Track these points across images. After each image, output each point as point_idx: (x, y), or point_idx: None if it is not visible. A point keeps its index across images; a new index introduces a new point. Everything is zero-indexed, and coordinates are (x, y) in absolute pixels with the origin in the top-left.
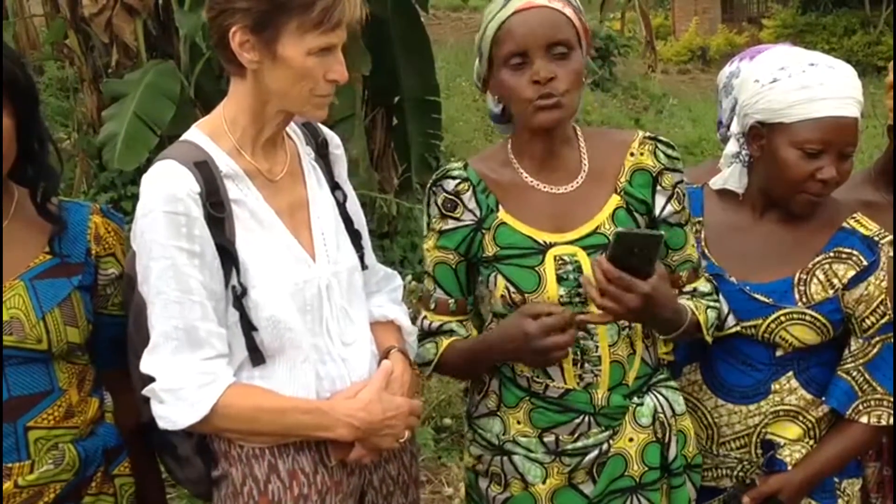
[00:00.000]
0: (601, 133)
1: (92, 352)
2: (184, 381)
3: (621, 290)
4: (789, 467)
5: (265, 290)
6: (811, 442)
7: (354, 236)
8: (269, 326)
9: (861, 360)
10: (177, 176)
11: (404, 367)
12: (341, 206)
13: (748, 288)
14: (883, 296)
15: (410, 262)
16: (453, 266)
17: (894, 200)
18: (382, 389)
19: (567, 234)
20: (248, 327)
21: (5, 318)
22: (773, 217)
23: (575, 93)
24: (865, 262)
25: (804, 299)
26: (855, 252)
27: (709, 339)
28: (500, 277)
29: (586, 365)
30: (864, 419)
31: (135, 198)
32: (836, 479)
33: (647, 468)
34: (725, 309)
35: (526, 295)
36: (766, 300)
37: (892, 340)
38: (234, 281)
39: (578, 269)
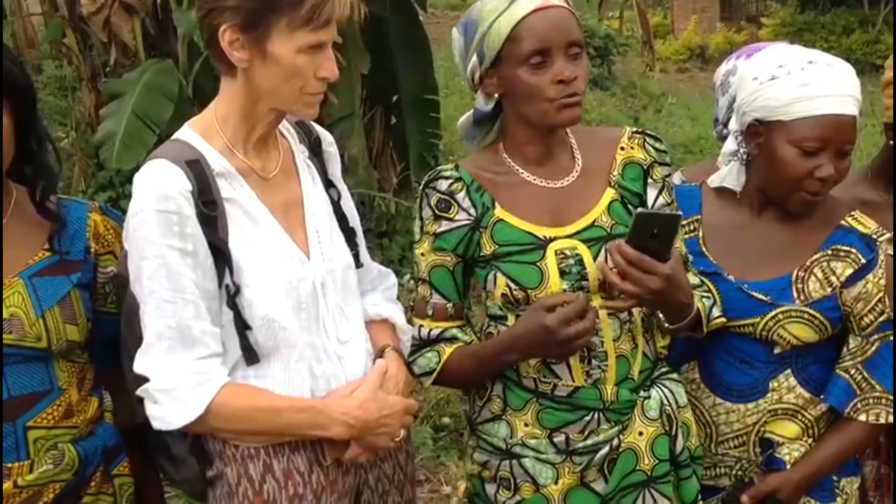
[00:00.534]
0: (589, 131)
1: (91, 351)
2: (177, 380)
3: (642, 273)
4: (788, 466)
5: (259, 288)
6: (809, 440)
7: (349, 234)
8: (263, 325)
9: (859, 359)
10: (168, 174)
11: (399, 366)
12: (335, 204)
13: (746, 286)
14: (881, 293)
15: (409, 260)
16: (451, 268)
17: (895, 198)
18: (378, 388)
19: (566, 227)
20: (241, 326)
21: (4, 315)
22: (771, 215)
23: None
24: (864, 260)
25: (802, 297)
26: (853, 250)
27: (705, 329)
28: (499, 275)
29: (593, 361)
30: (862, 417)
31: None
32: (834, 478)
33: (657, 461)
34: (709, 304)
35: (528, 291)
36: (764, 298)
37: (891, 339)
38: (227, 280)
39: (580, 263)
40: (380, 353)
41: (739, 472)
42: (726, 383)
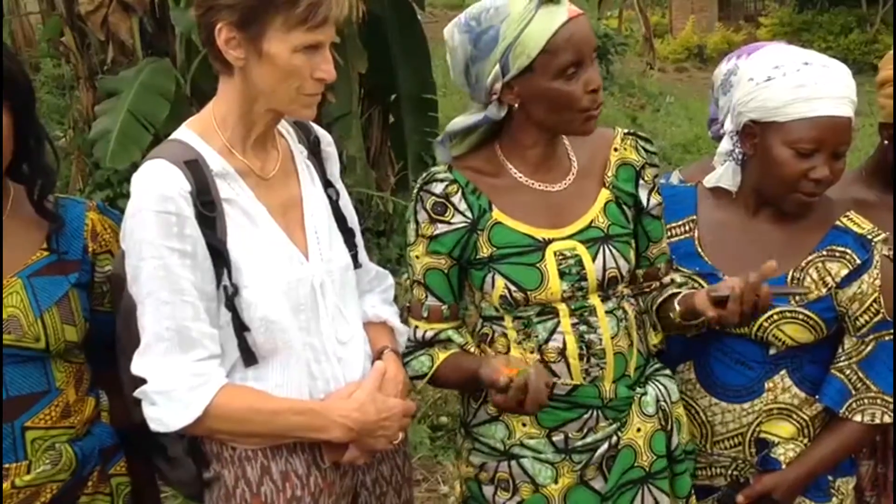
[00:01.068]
0: None
1: (88, 350)
2: (176, 382)
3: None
4: (783, 466)
5: (258, 289)
6: (805, 440)
7: (347, 235)
8: (261, 327)
9: (855, 359)
10: (167, 175)
11: (397, 368)
12: (334, 205)
13: None
14: (876, 294)
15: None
16: (446, 271)
17: (894, 197)
18: (376, 390)
19: (564, 229)
20: (240, 328)
21: (3, 315)
22: (766, 215)
23: None
24: (859, 261)
25: (797, 298)
26: (848, 250)
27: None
28: (498, 277)
29: (592, 359)
30: (857, 417)
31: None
32: (830, 478)
33: (655, 457)
34: None
35: (528, 292)
36: None
37: (887, 339)
38: (225, 281)
39: (579, 264)
40: (378, 355)
41: (735, 473)
42: (722, 383)
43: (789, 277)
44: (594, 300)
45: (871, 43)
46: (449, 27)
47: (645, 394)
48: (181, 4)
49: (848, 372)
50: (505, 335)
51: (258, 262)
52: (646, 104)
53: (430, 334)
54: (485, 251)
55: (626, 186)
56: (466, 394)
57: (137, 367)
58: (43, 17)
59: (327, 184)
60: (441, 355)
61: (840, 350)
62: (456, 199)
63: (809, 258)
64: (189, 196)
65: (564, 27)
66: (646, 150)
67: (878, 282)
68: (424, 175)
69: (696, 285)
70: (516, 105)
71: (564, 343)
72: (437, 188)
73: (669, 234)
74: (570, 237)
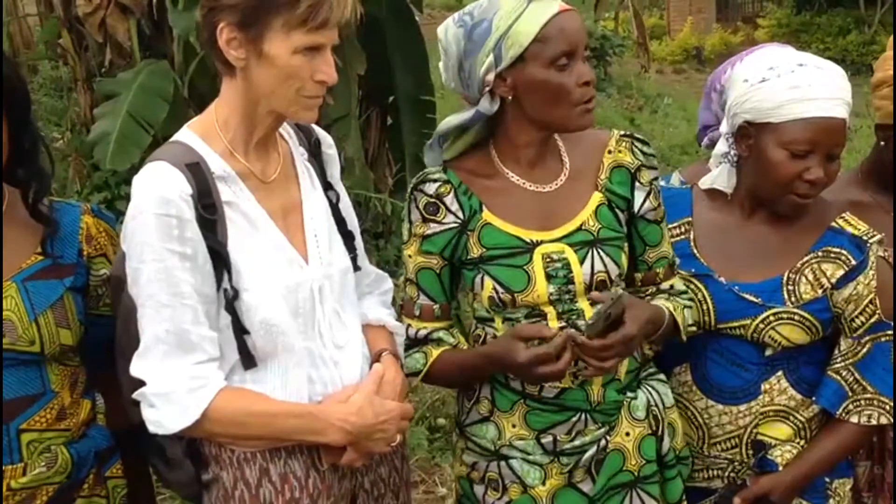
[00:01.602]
0: (577, 134)
1: (84, 353)
2: (174, 385)
3: (613, 351)
4: (780, 467)
5: (258, 293)
6: (802, 442)
7: (347, 238)
8: (261, 330)
9: (851, 360)
10: (168, 178)
11: (396, 371)
12: (334, 207)
13: (737, 288)
14: (872, 295)
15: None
16: (437, 271)
17: (894, 197)
18: (374, 393)
19: (553, 231)
20: (240, 331)
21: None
22: (761, 217)
23: None
24: (854, 262)
25: (793, 299)
26: (843, 251)
27: (683, 338)
28: (486, 278)
29: (580, 362)
30: (854, 419)
31: (129, 198)
32: (827, 479)
33: (644, 461)
34: (688, 313)
35: (515, 294)
36: (755, 300)
37: (883, 340)
38: (226, 284)
39: (567, 267)
40: (377, 358)
41: (732, 474)
42: (718, 385)
43: (784, 278)
44: (583, 303)
45: (868, 44)
46: (442, 25)
47: (635, 398)
48: (179, 6)
49: (844, 373)
50: (496, 337)
51: (258, 266)
52: (644, 105)
53: (422, 333)
54: (475, 252)
55: (620, 189)
56: (461, 393)
57: (136, 369)
58: (41, 20)
59: (327, 186)
60: (435, 352)
61: (836, 351)
62: (448, 199)
63: (805, 259)
64: (190, 199)
65: (556, 18)
66: (642, 153)
67: (873, 283)
68: (418, 175)
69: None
70: (509, 98)
71: None
72: (430, 188)
73: None
74: (558, 240)
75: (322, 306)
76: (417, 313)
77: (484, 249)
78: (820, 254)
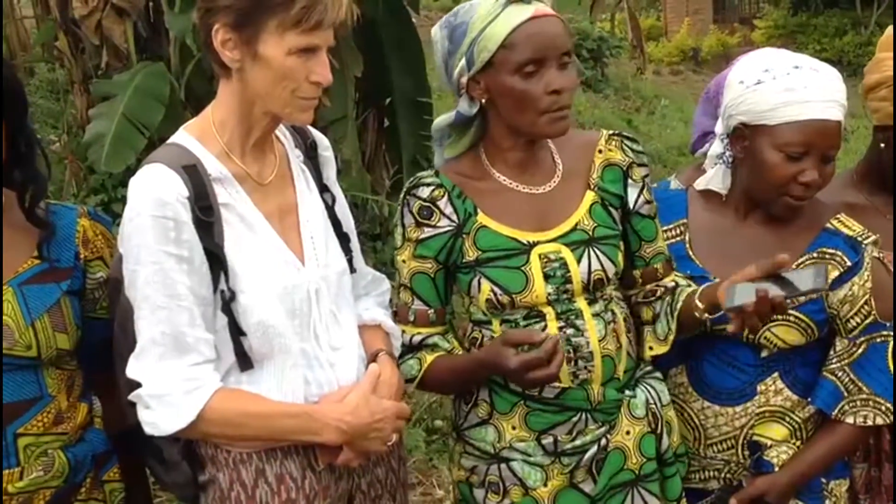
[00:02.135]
0: (567, 135)
1: (80, 356)
2: (170, 386)
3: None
4: (776, 468)
5: (254, 294)
6: (798, 443)
7: (343, 239)
8: (257, 331)
9: (846, 361)
10: (165, 180)
11: (392, 371)
12: (330, 209)
13: None
14: (867, 296)
15: None
16: (432, 275)
17: (894, 198)
18: (370, 393)
19: (549, 232)
20: (236, 332)
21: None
22: (756, 218)
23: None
24: (849, 263)
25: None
26: (839, 253)
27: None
28: (484, 281)
29: (579, 362)
30: (850, 419)
31: (125, 200)
32: (823, 480)
33: (645, 459)
34: None
35: (514, 296)
36: None
37: (878, 341)
38: (222, 285)
39: (564, 266)
40: (373, 358)
41: (728, 476)
42: (714, 387)
43: None
44: (581, 303)
45: (865, 45)
46: (435, 25)
47: (634, 396)
48: (175, 8)
49: (840, 374)
50: (493, 339)
51: (255, 268)
52: (640, 107)
53: (417, 338)
54: (471, 255)
55: (613, 187)
56: (458, 397)
57: (132, 370)
58: (37, 22)
59: (323, 188)
60: (429, 357)
61: (832, 352)
62: (442, 203)
63: (800, 261)
64: (187, 201)
65: (526, 24)
66: (632, 150)
67: (868, 284)
68: (412, 179)
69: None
70: (484, 101)
71: None
72: (424, 192)
73: None
74: (554, 240)
75: (318, 308)
76: (412, 319)
77: (480, 252)
78: (815, 255)
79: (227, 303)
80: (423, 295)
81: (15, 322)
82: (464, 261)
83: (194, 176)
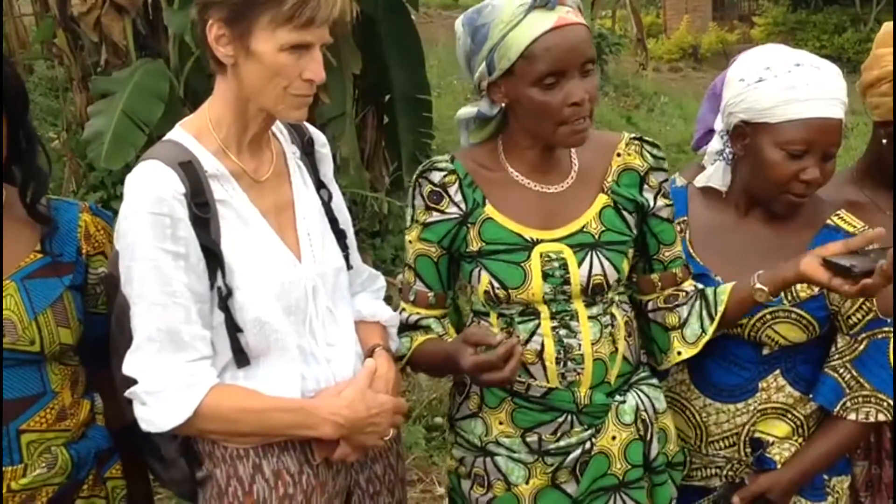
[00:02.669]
0: (588, 134)
1: (82, 352)
2: (166, 383)
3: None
4: (778, 465)
5: (251, 291)
6: (799, 439)
7: (340, 236)
8: (254, 328)
9: (848, 357)
10: (161, 177)
11: (389, 366)
12: (327, 206)
13: None
14: None
15: (402, 260)
16: (435, 259)
17: (894, 195)
18: (367, 387)
19: (554, 231)
20: (233, 329)
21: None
22: (757, 215)
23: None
24: None
25: (789, 297)
26: None
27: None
28: (483, 273)
29: (569, 363)
30: (852, 416)
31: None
32: (825, 477)
33: (630, 466)
34: None
35: (511, 290)
36: None
37: (879, 337)
38: (219, 282)
39: (564, 267)
40: (369, 353)
41: (730, 473)
42: (716, 384)
43: None
44: (577, 305)
45: (864, 42)
46: (459, 18)
47: (624, 402)
48: (174, 5)
49: (841, 370)
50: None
51: (251, 264)
52: (640, 104)
53: (413, 318)
54: (474, 245)
55: (628, 192)
56: (454, 388)
57: (129, 367)
58: (36, 19)
59: (320, 185)
60: (419, 338)
61: (833, 349)
62: (452, 189)
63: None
64: (183, 198)
65: (546, 35)
66: (652, 155)
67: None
68: (426, 162)
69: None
70: (503, 104)
71: (543, 346)
72: (436, 177)
73: None
74: (558, 240)
75: (315, 304)
76: (412, 299)
77: (483, 243)
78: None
79: (224, 299)
80: (426, 278)
81: (18, 317)
82: (467, 250)
83: (190, 172)
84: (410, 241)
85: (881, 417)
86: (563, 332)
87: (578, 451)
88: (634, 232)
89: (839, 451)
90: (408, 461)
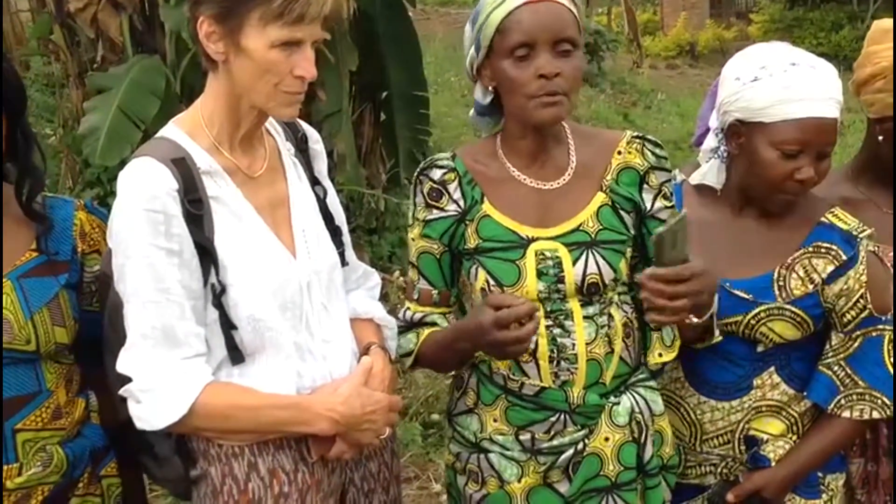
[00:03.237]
0: (590, 131)
1: (76, 350)
2: (160, 381)
3: (686, 283)
4: (773, 463)
5: (245, 288)
6: (794, 437)
7: (335, 233)
8: (248, 325)
9: (842, 355)
10: (154, 173)
11: (384, 363)
12: (321, 202)
13: (728, 284)
14: (863, 290)
15: (399, 257)
16: (437, 256)
17: (894, 192)
18: (362, 384)
19: (550, 229)
20: (227, 326)
21: None
22: (751, 213)
23: (576, 92)
24: (845, 257)
25: (784, 295)
26: (834, 247)
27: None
28: (480, 270)
29: (562, 363)
30: (846, 414)
31: None
32: (820, 474)
33: (622, 468)
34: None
35: (505, 288)
36: (746, 296)
37: (874, 335)
38: (213, 279)
39: (559, 265)
40: (365, 351)
41: (724, 471)
42: (710, 381)
43: (775, 274)
44: (573, 304)
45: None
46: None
47: (618, 403)
48: (171, 2)
49: (836, 368)
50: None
51: (245, 261)
52: (637, 101)
53: (417, 316)
54: (472, 242)
55: (627, 191)
56: (452, 384)
57: (123, 364)
58: (33, 15)
59: (314, 181)
60: (426, 332)
61: (827, 346)
62: (452, 187)
63: (796, 255)
64: (176, 194)
65: (519, 9)
66: (654, 154)
67: (864, 277)
68: (427, 160)
69: None
70: (490, 88)
71: (536, 344)
72: (436, 174)
73: None
74: (554, 238)
75: (310, 301)
76: (416, 297)
77: (480, 240)
78: (810, 249)
79: (218, 296)
80: (428, 275)
81: (14, 316)
82: (465, 247)
83: (183, 169)
84: (413, 239)
85: (875, 415)
86: (557, 331)
87: (571, 452)
88: (633, 232)
89: (833, 449)
90: (404, 458)
